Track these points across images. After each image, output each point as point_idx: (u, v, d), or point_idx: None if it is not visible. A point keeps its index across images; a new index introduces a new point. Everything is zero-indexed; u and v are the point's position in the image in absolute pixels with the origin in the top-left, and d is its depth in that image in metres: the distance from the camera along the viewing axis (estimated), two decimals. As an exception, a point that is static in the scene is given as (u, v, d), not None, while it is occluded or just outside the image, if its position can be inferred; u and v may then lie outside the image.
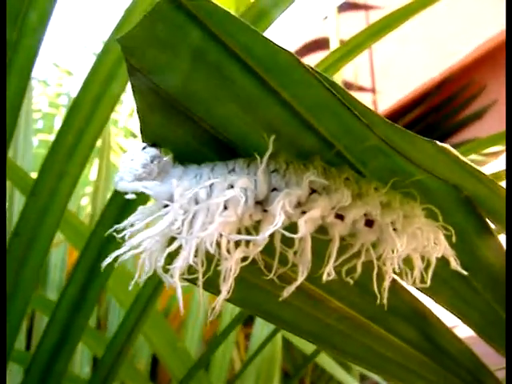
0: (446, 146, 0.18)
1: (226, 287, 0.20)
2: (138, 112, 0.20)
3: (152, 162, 0.20)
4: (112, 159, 1.17)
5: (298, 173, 0.20)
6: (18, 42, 0.43)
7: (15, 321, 0.53)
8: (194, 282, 0.21)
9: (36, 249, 0.52)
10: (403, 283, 0.33)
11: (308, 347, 1.05)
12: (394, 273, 0.32)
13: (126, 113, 1.90)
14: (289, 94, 0.20)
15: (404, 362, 0.37)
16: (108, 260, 0.19)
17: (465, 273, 0.27)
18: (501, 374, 0.43)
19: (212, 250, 0.18)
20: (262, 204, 0.20)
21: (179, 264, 0.18)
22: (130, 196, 0.20)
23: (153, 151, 0.20)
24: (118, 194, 0.51)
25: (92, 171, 1.61)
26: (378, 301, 0.28)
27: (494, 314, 0.38)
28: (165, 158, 0.20)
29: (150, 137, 0.21)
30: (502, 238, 0.33)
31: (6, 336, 0.53)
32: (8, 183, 0.91)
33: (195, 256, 0.19)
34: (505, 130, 0.47)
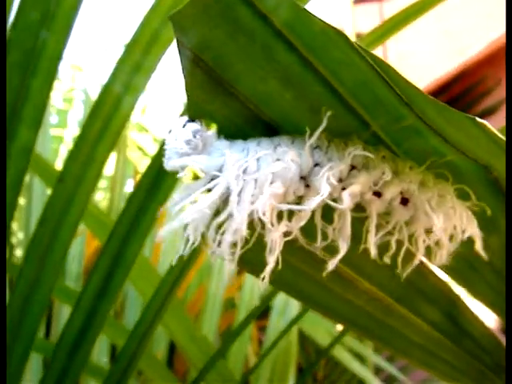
0: (485, 122, 0.19)
1: (272, 258, 0.20)
2: (186, 89, 0.21)
3: (195, 136, 0.21)
4: (127, 155, 1.18)
5: (339, 149, 0.21)
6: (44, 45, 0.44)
7: (39, 308, 0.54)
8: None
9: (61, 237, 0.52)
10: (432, 267, 0.34)
11: (322, 341, 1.06)
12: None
13: (139, 109, 1.91)
14: (329, 73, 0.20)
15: (427, 345, 0.38)
16: (161, 232, 0.20)
17: (486, 257, 0.28)
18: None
19: (265, 220, 0.19)
20: (305, 179, 0.21)
21: (230, 236, 0.19)
22: (180, 174, 0.20)
23: (193, 126, 0.21)
24: (142, 183, 0.52)
25: (107, 166, 1.62)
26: (408, 281, 0.28)
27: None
28: (207, 132, 0.21)
29: (196, 114, 0.21)
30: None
31: (30, 324, 0.54)
32: (27, 174, 0.92)
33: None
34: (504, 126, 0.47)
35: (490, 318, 0.43)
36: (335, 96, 0.22)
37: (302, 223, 0.21)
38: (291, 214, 0.21)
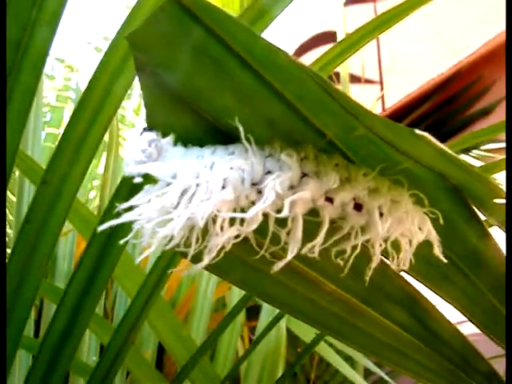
0: (425, 134, 0.20)
1: (208, 258, 0.21)
2: (145, 104, 0.21)
3: (150, 145, 0.22)
4: (119, 153, 1.19)
5: (292, 157, 0.22)
6: (30, 39, 0.44)
7: (25, 308, 0.55)
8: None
9: (46, 236, 0.53)
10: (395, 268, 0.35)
11: (308, 339, 1.07)
12: (386, 258, 0.34)
13: (132, 109, 1.92)
14: (284, 89, 0.21)
15: (397, 346, 0.39)
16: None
17: (444, 260, 0.29)
18: (495, 363, 0.44)
19: (201, 225, 0.20)
20: (257, 186, 0.22)
21: (163, 231, 0.20)
22: (137, 180, 0.21)
23: (149, 135, 0.22)
24: (125, 183, 0.53)
25: (100, 165, 1.64)
26: (372, 282, 0.29)
27: (487, 302, 0.39)
28: (162, 140, 0.22)
29: (155, 126, 0.22)
30: (492, 230, 0.35)
31: (16, 323, 0.54)
32: (18, 174, 0.93)
33: (191, 232, 0.20)
34: (502, 121, 0.48)
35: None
36: (289, 107, 0.23)
37: (253, 227, 0.22)
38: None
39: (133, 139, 0.22)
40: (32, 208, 0.52)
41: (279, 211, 0.22)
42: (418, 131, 0.19)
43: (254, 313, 1.12)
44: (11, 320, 0.54)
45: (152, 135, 0.22)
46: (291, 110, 0.22)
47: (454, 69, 1.67)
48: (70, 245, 0.97)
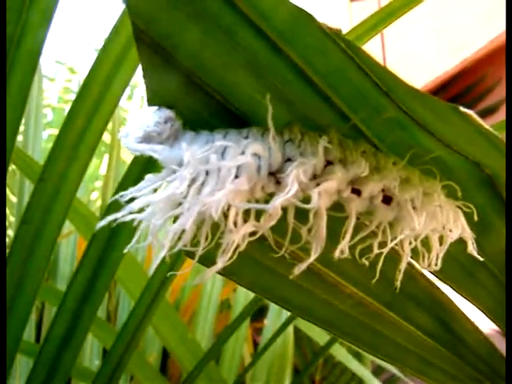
0: (470, 112, 0.17)
1: (222, 261, 0.18)
2: (144, 78, 0.19)
3: (166, 122, 0.19)
4: (121, 155, 1.17)
5: (314, 143, 0.19)
6: (21, 37, 0.42)
7: (24, 311, 0.53)
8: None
9: (45, 236, 0.51)
10: (421, 269, 0.32)
11: (320, 340, 1.04)
12: (410, 256, 0.31)
13: (133, 110, 1.90)
14: (302, 60, 0.19)
15: (419, 352, 0.36)
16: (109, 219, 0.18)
17: (481, 259, 0.26)
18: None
19: (216, 218, 0.17)
20: (275, 175, 0.19)
21: (174, 227, 0.17)
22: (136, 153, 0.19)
23: (168, 112, 0.19)
24: (126, 183, 0.51)
25: (102, 166, 1.62)
26: (394, 285, 0.27)
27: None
28: (178, 123, 0.19)
29: (156, 105, 0.19)
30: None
31: (14, 327, 0.52)
32: (18, 173, 0.91)
33: (199, 227, 0.18)
34: (502, 121, 0.45)
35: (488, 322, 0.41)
36: (309, 85, 0.20)
37: (272, 223, 0.19)
38: (260, 212, 0.19)
39: (144, 112, 0.19)
40: (29, 207, 0.50)
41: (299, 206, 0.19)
42: (462, 108, 0.17)
43: (258, 314, 1.10)
44: (10, 323, 0.52)
45: (171, 113, 0.19)
46: (312, 88, 0.20)
47: (459, 67, 1.65)
48: (71, 247, 0.95)
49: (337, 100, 0.20)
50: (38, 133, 1.03)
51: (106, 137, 1.35)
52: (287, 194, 0.18)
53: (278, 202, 0.18)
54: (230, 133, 0.19)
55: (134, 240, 0.19)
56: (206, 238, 0.18)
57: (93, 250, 0.52)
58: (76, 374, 0.80)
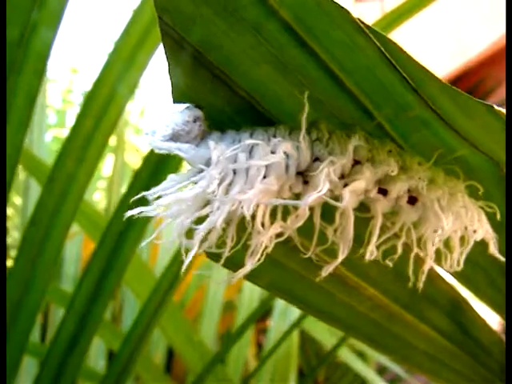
0: (503, 110, 0.17)
1: (251, 263, 0.18)
2: (169, 74, 0.18)
3: (195, 121, 0.18)
4: (125, 156, 1.17)
5: (341, 142, 0.19)
6: (30, 39, 0.42)
7: (31, 312, 0.53)
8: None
9: (53, 238, 0.51)
10: (439, 270, 0.32)
11: (324, 342, 1.04)
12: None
13: (137, 112, 1.90)
14: (329, 56, 0.18)
15: (435, 354, 0.36)
16: (138, 212, 0.18)
17: (502, 259, 0.26)
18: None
19: (249, 217, 0.17)
20: (303, 175, 0.19)
21: (204, 226, 0.17)
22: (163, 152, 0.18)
23: (197, 111, 0.19)
24: (135, 185, 0.51)
25: (105, 167, 1.61)
26: (414, 286, 0.26)
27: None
28: (205, 123, 0.19)
29: (180, 102, 0.19)
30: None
31: (22, 328, 0.52)
32: (23, 174, 0.90)
33: (226, 227, 0.17)
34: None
35: (492, 320, 0.41)
36: (335, 82, 0.20)
37: (300, 223, 0.19)
38: (286, 213, 0.19)
39: (176, 108, 0.19)
40: (38, 209, 0.49)
41: (327, 204, 0.19)
42: (496, 107, 0.16)
43: (262, 314, 1.10)
44: (17, 325, 0.52)
45: (201, 113, 0.19)
46: (338, 86, 0.19)
47: (461, 69, 1.64)
48: (76, 248, 0.95)
49: (362, 97, 0.20)
50: (42, 134, 1.03)
51: (111, 138, 1.34)
52: (320, 192, 0.17)
53: (311, 198, 0.17)
54: (256, 131, 0.19)
55: (156, 232, 0.18)
56: (232, 240, 0.18)
57: (101, 252, 0.52)
58: (81, 375, 0.80)
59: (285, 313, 1.00)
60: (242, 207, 0.17)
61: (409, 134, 0.22)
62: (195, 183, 0.17)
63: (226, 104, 0.20)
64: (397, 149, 0.21)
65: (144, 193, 0.18)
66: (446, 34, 1.66)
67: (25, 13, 0.41)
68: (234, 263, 0.19)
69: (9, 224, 1.20)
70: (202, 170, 0.18)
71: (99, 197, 1.60)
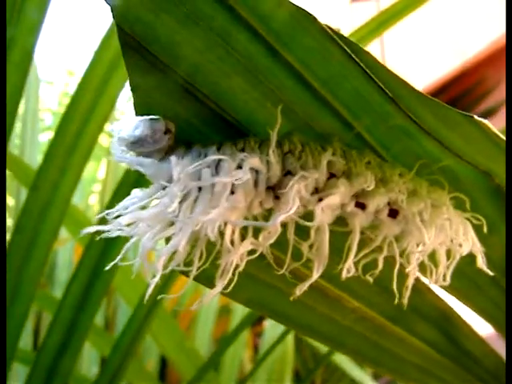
0: (485, 121, 0.16)
1: (221, 283, 0.17)
2: (131, 86, 0.17)
3: (165, 133, 0.17)
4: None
5: (315, 155, 0.18)
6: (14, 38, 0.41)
7: (19, 319, 0.52)
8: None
9: (39, 245, 0.50)
10: (425, 281, 0.31)
11: (321, 346, 1.03)
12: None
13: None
14: (300, 64, 0.17)
15: (425, 366, 0.35)
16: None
17: (491, 273, 0.25)
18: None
19: (213, 238, 0.16)
20: (274, 190, 0.18)
21: (166, 250, 0.16)
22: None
23: (171, 125, 0.17)
24: (122, 189, 0.50)
25: (99, 169, 1.61)
26: (400, 300, 0.25)
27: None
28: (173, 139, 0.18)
29: (146, 114, 0.18)
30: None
31: (10, 335, 0.51)
32: (15, 180, 0.89)
33: (193, 246, 0.16)
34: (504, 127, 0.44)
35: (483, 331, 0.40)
36: (309, 92, 0.19)
37: (271, 240, 0.18)
38: (258, 229, 0.18)
39: (146, 118, 0.17)
40: (23, 216, 0.48)
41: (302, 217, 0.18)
42: (477, 117, 0.15)
43: (258, 318, 1.09)
44: (5, 333, 0.51)
45: (172, 126, 0.17)
46: (313, 95, 0.19)
47: (459, 69, 1.64)
48: (68, 253, 0.94)
49: (339, 107, 0.19)
50: (35, 137, 1.02)
51: (105, 140, 1.33)
52: (288, 212, 0.16)
53: (278, 219, 0.16)
54: (224, 145, 0.18)
55: (122, 253, 0.18)
56: (201, 257, 0.17)
57: (88, 258, 0.51)
58: (73, 382, 0.79)
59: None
60: (205, 228, 0.16)
61: (390, 144, 0.21)
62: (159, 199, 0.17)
63: (193, 115, 0.19)
64: (376, 160, 0.20)
65: (106, 211, 0.17)
66: (445, 34, 1.65)
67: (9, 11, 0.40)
68: (206, 278, 0.18)
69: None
70: (165, 187, 0.17)
71: (95, 200, 1.59)
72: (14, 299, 0.51)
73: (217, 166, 0.17)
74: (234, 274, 0.18)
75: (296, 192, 0.16)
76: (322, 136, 0.19)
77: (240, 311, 0.95)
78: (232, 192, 0.17)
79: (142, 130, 0.18)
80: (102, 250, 0.51)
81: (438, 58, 1.66)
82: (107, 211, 0.17)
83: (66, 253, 0.93)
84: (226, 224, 0.16)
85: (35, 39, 0.41)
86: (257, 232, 0.18)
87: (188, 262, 0.18)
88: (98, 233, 0.49)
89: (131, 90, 0.18)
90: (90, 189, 1.51)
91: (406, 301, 0.22)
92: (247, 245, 0.17)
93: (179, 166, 0.16)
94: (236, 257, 0.17)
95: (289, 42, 0.17)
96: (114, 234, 0.17)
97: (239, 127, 0.19)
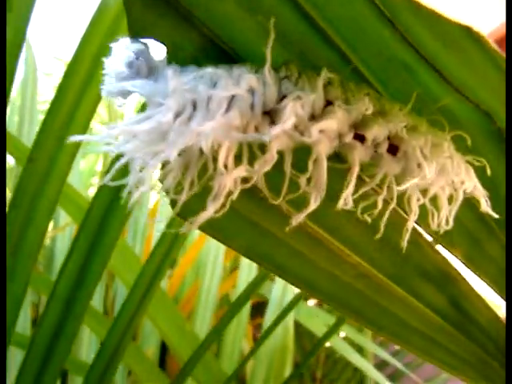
0: (483, 33, 0.15)
1: (213, 206, 0.16)
2: (125, 6, 0.17)
3: (137, 58, 0.17)
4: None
5: (312, 81, 0.17)
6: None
7: (15, 301, 0.51)
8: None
9: (35, 221, 0.49)
10: (429, 239, 0.30)
11: (320, 334, 1.03)
12: (418, 224, 0.29)
13: (132, 107, 1.89)
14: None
15: (425, 330, 0.34)
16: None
17: (496, 216, 0.24)
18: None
19: (206, 150, 0.15)
20: (270, 115, 0.17)
21: (155, 161, 0.15)
22: (119, 103, 0.17)
23: (137, 46, 0.17)
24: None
25: (98, 162, 1.60)
26: (402, 256, 0.25)
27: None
28: (153, 56, 0.17)
29: (139, 37, 0.18)
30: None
31: (6, 318, 0.51)
32: (15, 170, 0.89)
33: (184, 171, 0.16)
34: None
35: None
36: (307, 21, 0.18)
37: (267, 168, 0.17)
38: (252, 159, 0.17)
39: (115, 51, 0.17)
40: (18, 191, 0.48)
41: (298, 153, 0.17)
42: (475, 28, 0.15)
43: (258, 310, 1.09)
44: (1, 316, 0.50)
45: (140, 46, 0.17)
46: (308, 22, 0.18)
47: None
48: (67, 240, 0.93)
49: (335, 37, 0.19)
50: (33, 127, 1.02)
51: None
52: (285, 124, 0.16)
53: (275, 131, 0.16)
54: (220, 67, 0.17)
55: (111, 173, 0.17)
56: (191, 185, 0.17)
57: (84, 236, 0.50)
58: (73, 368, 0.79)
59: (280, 306, 0.98)
60: (200, 141, 0.15)
61: (389, 80, 0.20)
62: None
63: (188, 41, 0.18)
64: (375, 94, 0.19)
65: (103, 134, 0.16)
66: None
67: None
68: (192, 212, 0.18)
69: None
70: (160, 105, 0.16)
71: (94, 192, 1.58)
72: (11, 278, 0.50)
73: (214, 84, 0.16)
74: (224, 208, 0.17)
75: (292, 109, 0.16)
76: (318, 68, 0.19)
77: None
78: (227, 110, 0.16)
79: (118, 69, 0.17)
80: (98, 227, 0.51)
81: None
82: (105, 133, 0.16)
83: (65, 240, 0.93)
84: (219, 146, 0.16)
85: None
86: (252, 160, 0.17)
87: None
88: (94, 209, 0.48)
89: (126, 12, 0.17)
90: (89, 181, 1.50)
91: (404, 243, 0.21)
92: (242, 170, 0.17)
93: (175, 80, 0.16)
94: (229, 180, 0.16)
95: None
96: (104, 148, 0.16)
97: (234, 56, 0.19)
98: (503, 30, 1.48)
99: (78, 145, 0.47)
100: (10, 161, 0.98)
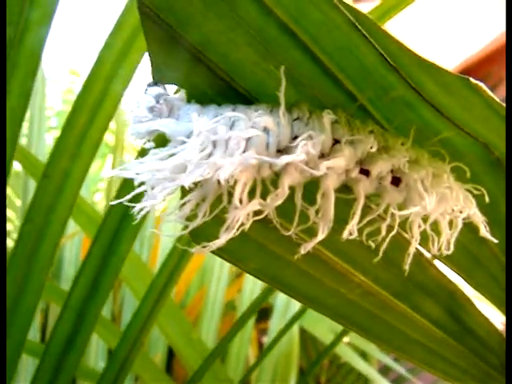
0: (481, 84, 0.17)
1: (225, 237, 0.18)
2: (149, 56, 0.18)
3: (158, 101, 0.18)
4: (124, 156, 1.17)
5: (322, 121, 0.19)
6: (21, 39, 0.42)
7: (28, 312, 0.52)
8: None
9: (49, 235, 0.50)
10: (431, 259, 0.32)
11: (325, 340, 1.04)
12: (420, 244, 0.30)
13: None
14: (308, 37, 0.18)
15: (428, 343, 0.36)
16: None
17: (495, 240, 0.25)
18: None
19: (222, 180, 0.17)
20: (282, 153, 0.19)
21: (171, 185, 0.17)
22: (147, 145, 0.18)
23: (155, 90, 0.19)
24: (129, 181, 0.50)
25: (105, 167, 1.62)
26: (403, 273, 0.26)
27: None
28: (172, 96, 0.19)
29: (161, 82, 0.19)
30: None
31: (19, 327, 0.52)
32: (22, 175, 0.90)
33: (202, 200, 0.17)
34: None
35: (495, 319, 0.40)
36: (316, 64, 0.19)
37: (279, 202, 0.18)
38: (265, 193, 0.19)
39: (137, 97, 0.19)
40: (33, 206, 0.49)
41: (308, 186, 0.19)
42: (472, 80, 0.16)
43: (263, 314, 1.10)
44: (14, 324, 0.51)
45: (159, 89, 0.19)
46: (320, 67, 0.19)
47: (463, 65, 1.64)
48: (75, 248, 0.95)
49: (344, 79, 0.20)
50: (42, 136, 1.03)
51: (110, 138, 1.35)
52: (298, 157, 0.17)
53: (285, 160, 0.17)
54: (238, 107, 0.19)
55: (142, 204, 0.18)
56: (204, 214, 0.18)
57: (97, 249, 0.51)
58: (81, 375, 0.80)
59: (285, 311, 0.99)
60: (218, 175, 0.16)
61: (393, 116, 0.22)
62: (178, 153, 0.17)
63: (207, 85, 0.20)
64: (379, 130, 0.21)
65: (126, 164, 0.18)
66: (448, 31, 1.66)
67: (17, 11, 0.41)
68: (206, 235, 0.19)
69: (9, 226, 1.20)
70: (183, 143, 0.17)
71: (100, 198, 1.60)
72: (24, 290, 0.51)
73: (232, 125, 0.18)
74: (236, 233, 0.18)
75: (303, 148, 0.17)
76: (327, 108, 0.20)
77: (245, 308, 0.96)
78: (245, 151, 0.17)
79: (141, 114, 0.18)
80: (111, 239, 0.52)
81: (440, 55, 1.66)
82: (127, 164, 0.18)
83: (73, 248, 0.94)
84: (235, 182, 0.17)
85: (45, 35, 0.42)
86: (264, 195, 0.19)
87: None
88: (108, 223, 0.49)
89: (150, 60, 0.19)
90: (96, 187, 1.52)
91: (406, 267, 0.23)
92: (255, 204, 0.18)
93: (199, 122, 0.17)
94: (242, 213, 0.17)
95: (297, 14, 0.17)
96: (127, 175, 0.17)
97: (249, 98, 0.20)
98: (503, 39, 1.49)
99: (90, 161, 0.49)
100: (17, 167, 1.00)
